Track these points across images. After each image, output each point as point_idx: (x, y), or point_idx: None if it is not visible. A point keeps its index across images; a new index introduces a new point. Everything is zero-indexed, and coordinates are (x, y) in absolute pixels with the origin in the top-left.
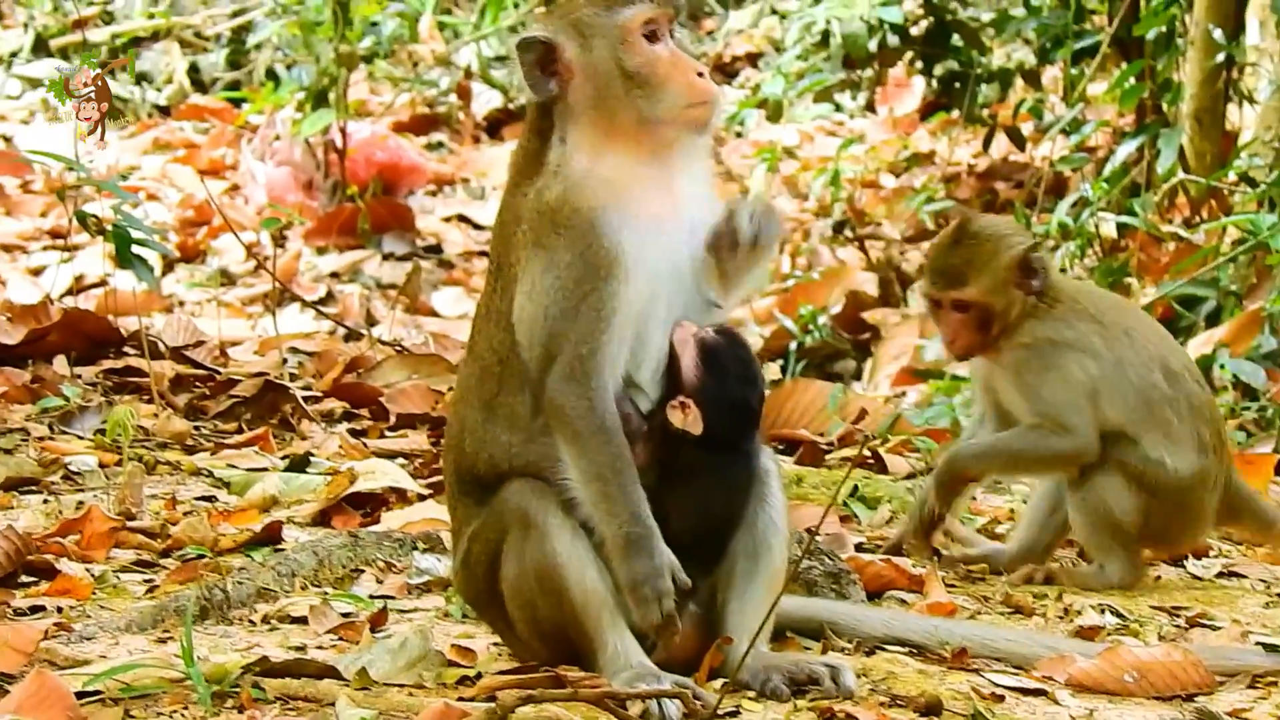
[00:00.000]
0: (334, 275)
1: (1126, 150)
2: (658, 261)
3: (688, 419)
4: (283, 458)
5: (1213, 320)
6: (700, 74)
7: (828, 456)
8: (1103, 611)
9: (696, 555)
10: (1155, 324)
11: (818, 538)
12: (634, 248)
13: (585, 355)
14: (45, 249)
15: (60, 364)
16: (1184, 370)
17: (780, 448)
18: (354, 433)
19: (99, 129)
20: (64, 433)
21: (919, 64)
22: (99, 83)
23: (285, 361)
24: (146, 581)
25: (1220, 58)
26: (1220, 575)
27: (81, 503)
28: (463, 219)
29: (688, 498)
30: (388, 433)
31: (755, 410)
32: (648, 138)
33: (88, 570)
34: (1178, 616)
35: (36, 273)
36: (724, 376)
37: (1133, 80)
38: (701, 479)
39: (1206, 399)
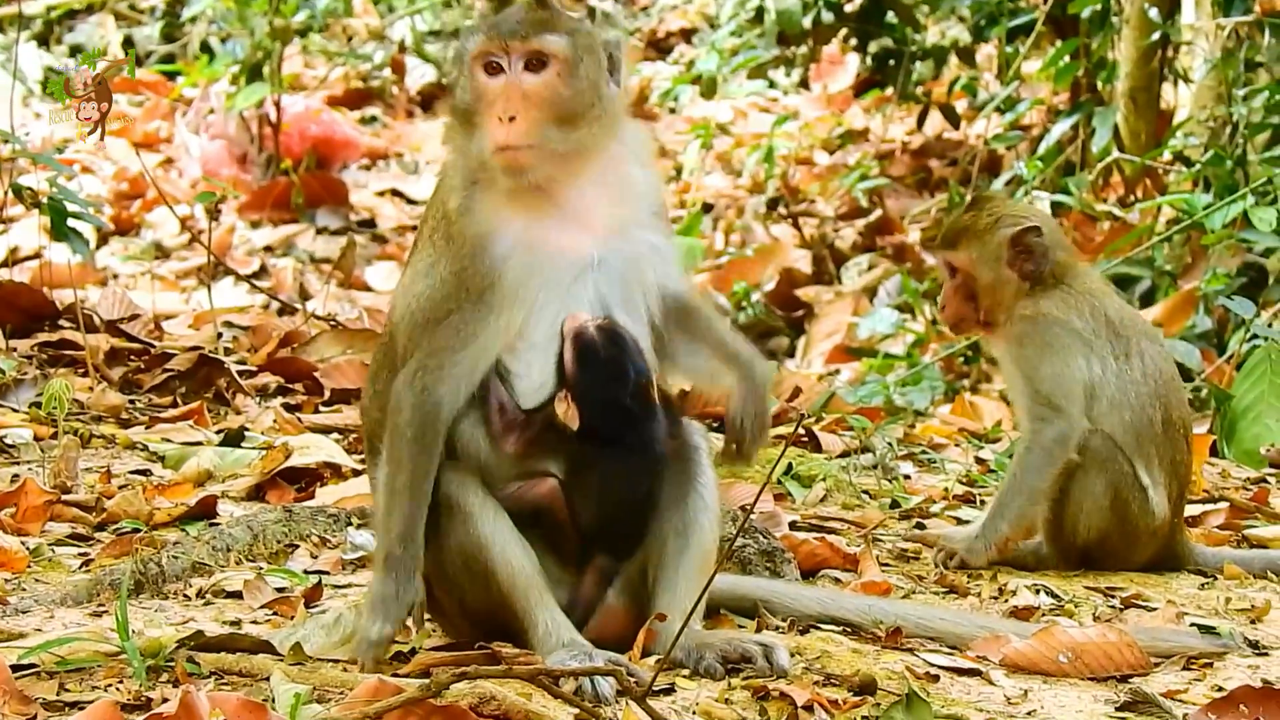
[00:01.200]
0: (268, 249)
1: (1061, 129)
2: (550, 293)
3: (566, 414)
4: (217, 432)
5: (1147, 300)
6: (510, 118)
7: None
8: (1038, 592)
9: (612, 543)
10: (1172, 363)
11: (752, 516)
12: (517, 279)
13: (430, 368)
14: None
15: None
16: (1180, 424)
17: (714, 425)
18: (288, 407)
19: (99, 129)
20: None
21: (853, 41)
22: (99, 83)
23: (220, 336)
24: (82, 555)
25: (1155, 36)
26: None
27: (16, 476)
28: (396, 193)
29: (589, 487)
30: (322, 408)
31: (627, 408)
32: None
33: (23, 543)
34: (1113, 597)
35: None
36: (595, 373)
37: (1067, 58)
38: (599, 468)
39: (1186, 461)
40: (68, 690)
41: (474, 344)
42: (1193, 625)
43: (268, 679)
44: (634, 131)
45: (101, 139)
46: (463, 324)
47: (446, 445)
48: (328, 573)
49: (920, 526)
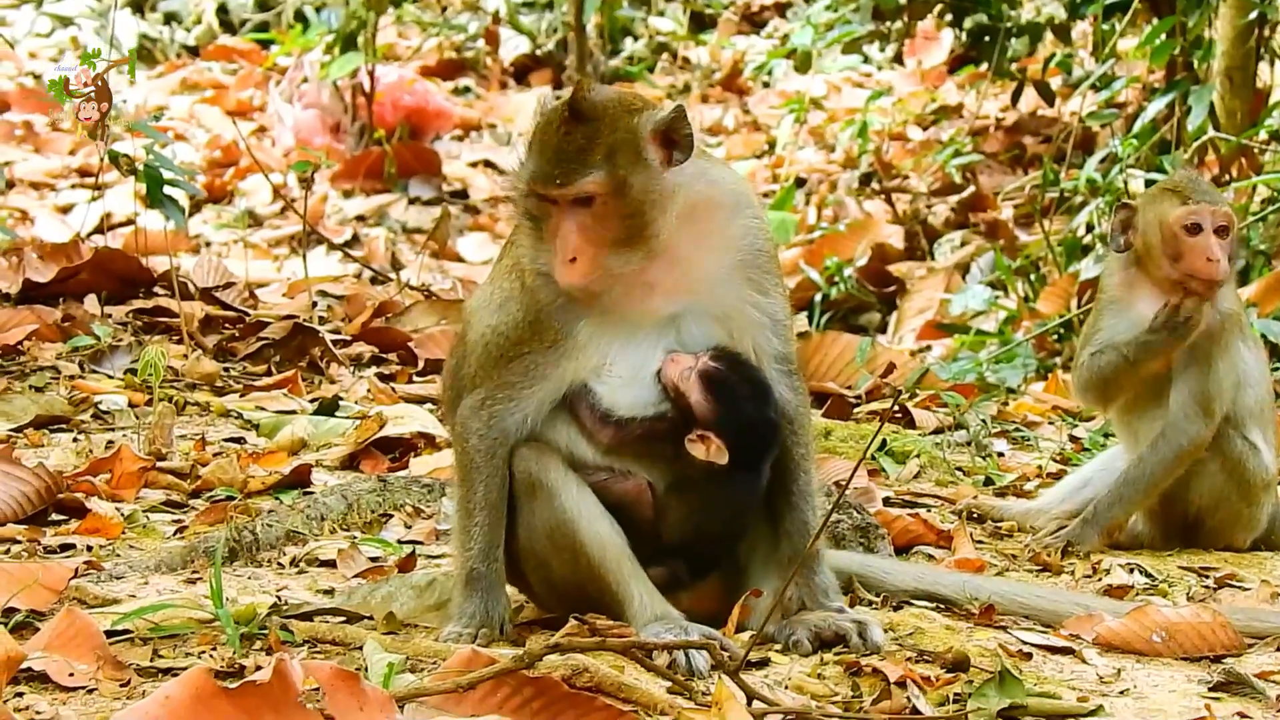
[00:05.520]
0: (360, 218)
1: (1156, 107)
2: (625, 348)
3: (711, 451)
4: (311, 401)
5: (1241, 279)
6: (572, 259)
7: (855, 410)
8: (1131, 571)
9: (693, 558)
10: None
11: (847, 492)
12: (590, 337)
13: (499, 399)
14: (73, 187)
15: (91, 303)
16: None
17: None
18: (382, 377)
19: (99, 129)
20: (94, 372)
21: (948, 17)
22: (99, 83)
23: (315, 304)
24: (176, 522)
25: (1253, 15)
26: None
27: (111, 442)
28: (488, 164)
29: (689, 505)
30: (416, 378)
31: (776, 423)
32: None
33: (117, 509)
34: (1206, 577)
35: (65, 210)
36: (737, 401)
37: (1164, 36)
38: (705, 490)
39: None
40: (161, 656)
41: (543, 383)
42: None
43: (361, 648)
44: (725, 182)
45: (102, 138)
46: (533, 365)
47: (529, 435)
48: (421, 543)
49: (991, 485)
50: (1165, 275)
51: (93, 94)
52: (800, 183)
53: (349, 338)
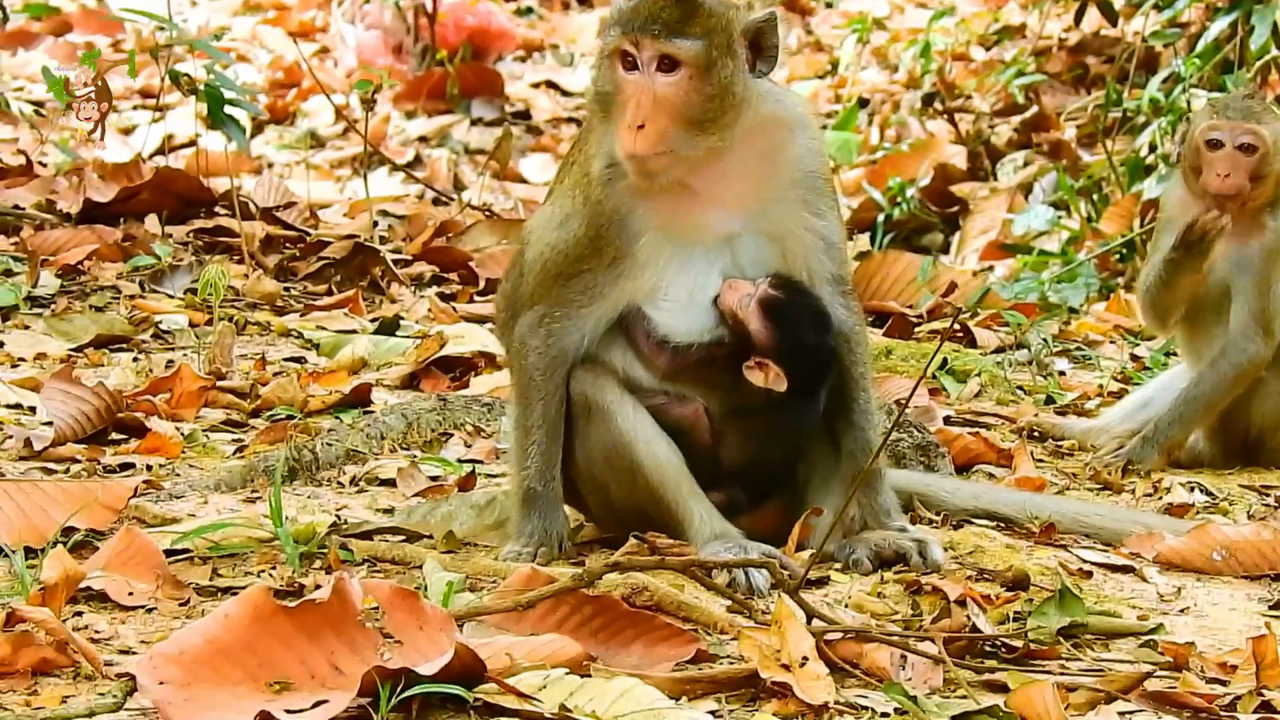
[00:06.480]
0: (422, 139)
1: (1219, 26)
2: (683, 267)
3: (770, 378)
4: (372, 320)
5: None
6: (639, 125)
7: (916, 329)
8: (1192, 489)
9: (751, 483)
10: None
11: (907, 410)
12: (649, 255)
13: (557, 317)
14: (135, 108)
15: (151, 223)
16: None
17: (870, 319)
18: (443, 296)
19: (99, 129)
20: (155, 291)
21: None
22: (99, 82)
23: (376, 224)
24: (235, 441)
25: None
26: None
27: (171, 361)
28: (551, 85)
29: (748, 431)
30: (476, 297)
31: (835, 350)
32: None
33: (177, 429)
34: (1267, 495)
35: (127, 132)
36: (798, 328)
37: None
38: (763, 418)
39: None
40: (221, 575)
41: (601, 302)
42: None
43: (420, 567)
44: (790, 103)
45: (102, 138)
46: (592, 283)
47: (585, 357)
48: (481, 461)
49: (1052, 404)
50: (1194, 190)
51: (92, 94)
52: (863, 103)
53: (410, 257)
